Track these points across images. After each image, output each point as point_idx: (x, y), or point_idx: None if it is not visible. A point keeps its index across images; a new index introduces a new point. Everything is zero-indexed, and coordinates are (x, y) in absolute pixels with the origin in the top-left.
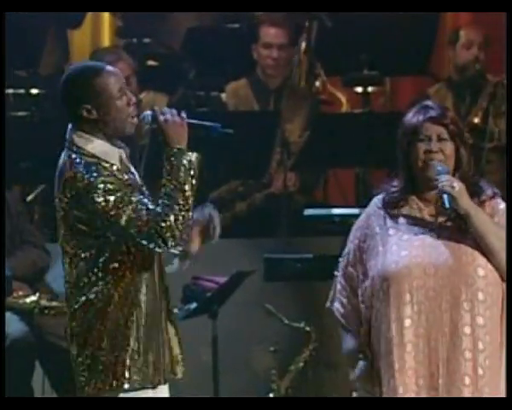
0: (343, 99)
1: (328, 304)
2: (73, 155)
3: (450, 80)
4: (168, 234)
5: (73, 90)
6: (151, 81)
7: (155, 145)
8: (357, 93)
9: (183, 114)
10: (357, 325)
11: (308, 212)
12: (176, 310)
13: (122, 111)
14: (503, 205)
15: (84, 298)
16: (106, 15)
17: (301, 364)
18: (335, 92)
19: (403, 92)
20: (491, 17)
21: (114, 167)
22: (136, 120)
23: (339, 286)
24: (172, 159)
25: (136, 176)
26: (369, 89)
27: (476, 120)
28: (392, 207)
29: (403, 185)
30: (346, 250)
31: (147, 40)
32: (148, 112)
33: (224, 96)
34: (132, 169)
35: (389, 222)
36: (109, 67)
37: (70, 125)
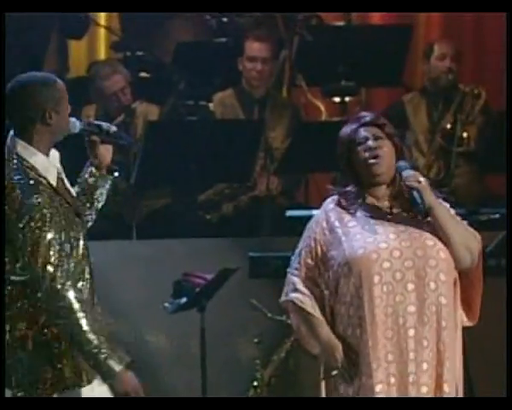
0: (322, 108)
1: (282, 298)
2: (14, 162)
3: (424, 90)
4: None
5: (37, 94)
6: (144, 92)
7: (146, 153)
8: (335, 102)
9: (102, 126)
10: (318, 310)
11: (290, 213)
12: (166, 304)
13: (67, 121)
14: (446, 205)
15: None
16: (102, 30)
17: (283, 354)
18: (315, 102)
19: (377, 101)
20: (461, 31)
21: (53, 184)
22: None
23: (296, 279)
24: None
25: (70, 191)
26: (346, 98)
27: (448, 126)
28: (348, 206)
29: (354, 187)
30: (304, 244)
31: (140, 53)
32: (75, 119)
33: (211, 105)
34: (67, 184)
35: (347, 217)
36: (59, 81)
37: (11, 133)
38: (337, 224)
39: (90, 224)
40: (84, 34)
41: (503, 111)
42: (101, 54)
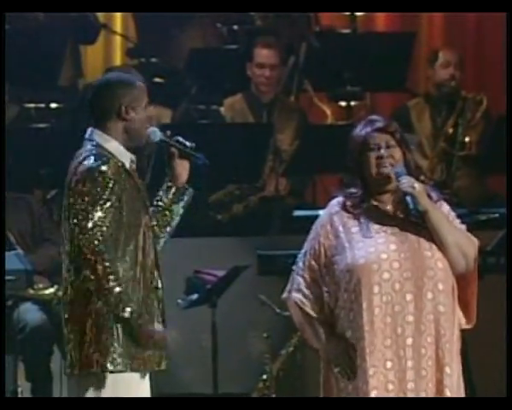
0: (328, 112)
1: (285, 295)
2: (89, 147)
3: (428, 95)
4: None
5: (115, 89)
6: (157, 96)
7: (160, 155)
8: (341, 107)
9: (182, 143)
10: (319, 312)
11: (297, 213)
12: (179, 300)
13: (145, 121)
14: (447, 207)
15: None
16: (118, 37)
17: (291, 348)
18: (322, 106)
19: (382, 106)
20: (463, 38)
21: (125, 166)
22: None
23: (300, 279)
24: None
25: (138, 184)
26: (352, 103)
27: (450, 131)
28: (352, 210)
29: (360, 191)
30: (309, 246)
31: (154, 60)
32: (156, 129)
33: (222, 109)
34: (135, 177)
35: (351, 222)
36: (142, 83)
37: (91, 128)
38: (341, 229)
39: (163, 241)
40: (95, 40)
41: (504, 115)
42: (117, 60)
